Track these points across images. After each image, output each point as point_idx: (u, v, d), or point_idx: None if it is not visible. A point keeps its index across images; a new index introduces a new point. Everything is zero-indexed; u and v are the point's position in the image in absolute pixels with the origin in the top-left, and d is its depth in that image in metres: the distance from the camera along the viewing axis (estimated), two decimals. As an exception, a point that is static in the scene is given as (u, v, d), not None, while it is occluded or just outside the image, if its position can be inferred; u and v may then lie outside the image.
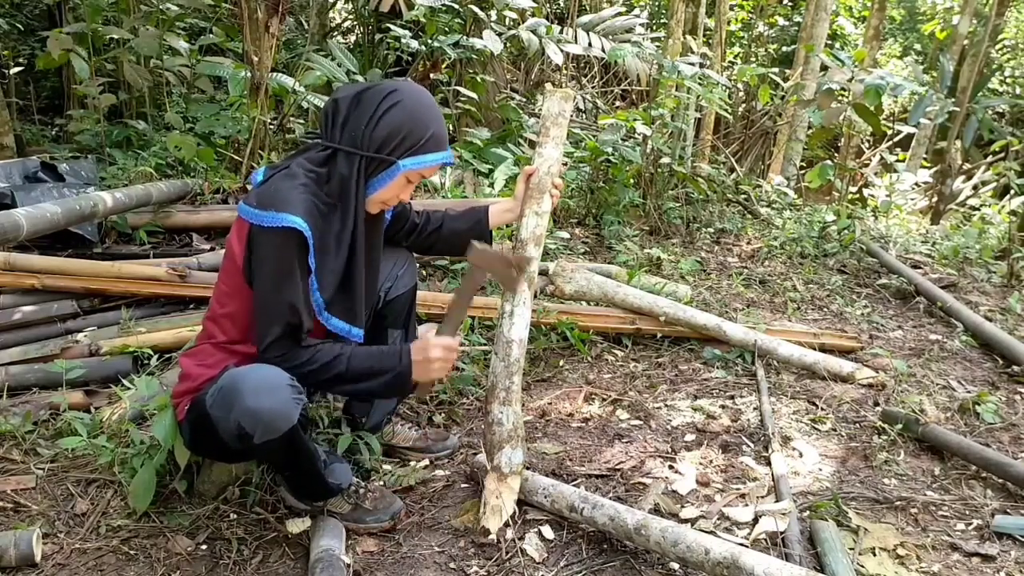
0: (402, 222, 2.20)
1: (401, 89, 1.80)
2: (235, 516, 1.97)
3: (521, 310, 2.02)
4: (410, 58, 5.79)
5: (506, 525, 1.93)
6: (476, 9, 5.45)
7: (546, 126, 2.04)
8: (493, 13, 5.57)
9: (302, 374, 1.73)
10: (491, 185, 4.93)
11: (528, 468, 2.23)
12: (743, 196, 5.99)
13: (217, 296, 1.86)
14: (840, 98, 5.24)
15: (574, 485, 2.10)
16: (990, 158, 8.77)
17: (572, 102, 2.07)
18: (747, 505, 2.07)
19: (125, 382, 2.28)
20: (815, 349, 3.10)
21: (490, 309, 3.11)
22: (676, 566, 1.80)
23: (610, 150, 4.76)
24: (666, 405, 2.75)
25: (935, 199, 7.67)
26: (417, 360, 1.81)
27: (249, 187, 4.15)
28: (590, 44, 6.20)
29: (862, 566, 1.82)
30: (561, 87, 2.07)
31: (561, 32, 5.87)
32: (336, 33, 8.43)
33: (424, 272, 3.71)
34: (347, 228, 1.80)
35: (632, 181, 5.00)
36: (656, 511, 2.02)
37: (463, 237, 2.11)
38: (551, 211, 2.12)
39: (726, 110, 5.75)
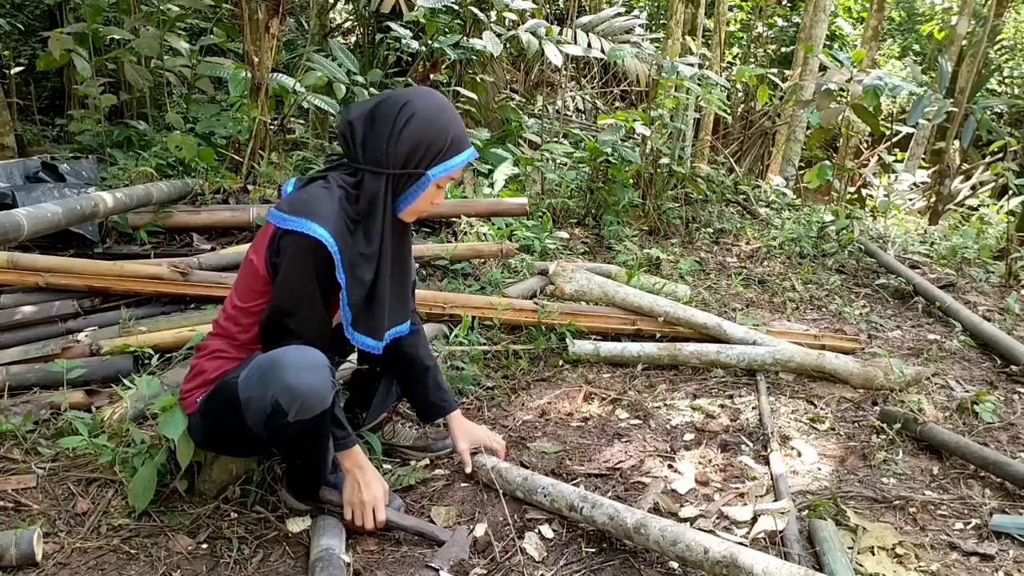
0: None
1: (413, 99, 1.78)
2: (235, 515, 1.98)
3: None
4: (410, 58, 5.79)
5: (505, 524, 1.93)
6: (476, 10, 5.46)
7: None
8: (493, 14, 5.57)
9: None
10: (491, 185, 4.94)
11: (527, 467, 2.24)
12: (742, 196, 6.00)
13: (239, 294, 1.85)
14: (839, 99, 5.25)
15: (574, 484, 2.10)
16: (988, 158, 8.79)
17: None
18: (746, 504, 2.08)
19: (126, 382, 2.28)
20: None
21: (491, 308, 3.12)
22: (675, 565, 1.81)
23: (609, 150, 4.77)
24: (665, 404, 2.75)
25: (933, 199, 7.68)
26: (358, 469, 1.85)
27: (250, 188, 4.16)
28: (589, 45, 6.20)
29: (861, 565, 1.83)
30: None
31: (560, 33, 5.87)
32: (336, 33, 8.43)
33: (424, 272, 3.71)
34: (373, 246, 1.80)
35: (631, 181, 5.01)
36: (655, 510, 2.02)
37: (416, 395, 2.21)
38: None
39: (725, 111, 5.75)
